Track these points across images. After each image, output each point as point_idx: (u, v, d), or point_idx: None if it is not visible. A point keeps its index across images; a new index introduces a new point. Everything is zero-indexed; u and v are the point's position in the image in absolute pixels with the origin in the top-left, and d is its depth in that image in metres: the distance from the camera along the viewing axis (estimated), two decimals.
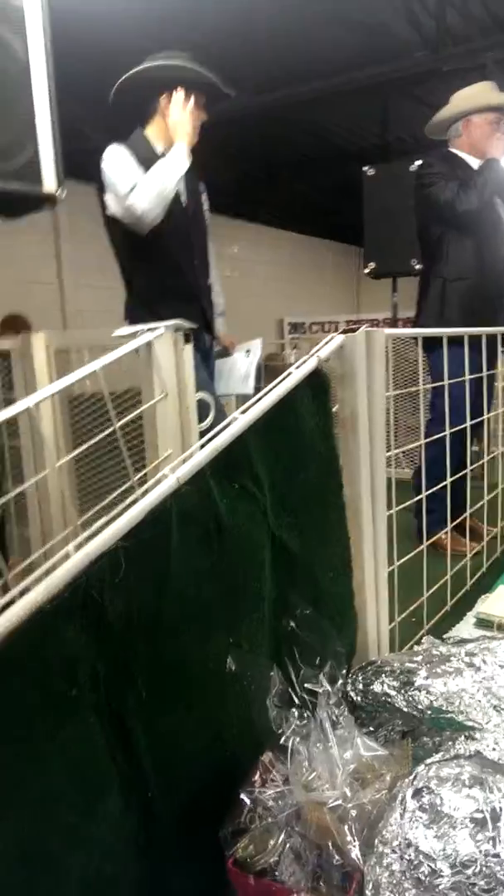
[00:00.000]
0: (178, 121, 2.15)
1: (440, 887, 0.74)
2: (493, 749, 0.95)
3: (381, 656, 1.40)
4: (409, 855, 0.78)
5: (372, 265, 3.93)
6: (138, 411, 1.67)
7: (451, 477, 2.08)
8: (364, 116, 5.16)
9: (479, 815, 0.78)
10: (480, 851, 0.74)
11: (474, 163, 2.61)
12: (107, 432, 1.60)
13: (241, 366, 2.37)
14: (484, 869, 0.73)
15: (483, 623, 1.87)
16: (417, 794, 0.84)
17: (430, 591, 1.94)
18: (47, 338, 1.90)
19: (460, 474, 2.26)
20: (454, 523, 2.16)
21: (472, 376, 2.14)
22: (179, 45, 3.36)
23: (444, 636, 1.84)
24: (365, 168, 3.74)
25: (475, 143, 2.61)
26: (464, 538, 2.53)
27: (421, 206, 2.67)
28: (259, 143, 5.46)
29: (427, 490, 2.03)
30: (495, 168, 2.53)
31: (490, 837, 0.75)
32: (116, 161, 2.13)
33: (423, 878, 0.75)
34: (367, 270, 3.87)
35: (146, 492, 0.96)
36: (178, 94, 2.16)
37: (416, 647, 1.46)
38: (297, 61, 3.96)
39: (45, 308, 4.57)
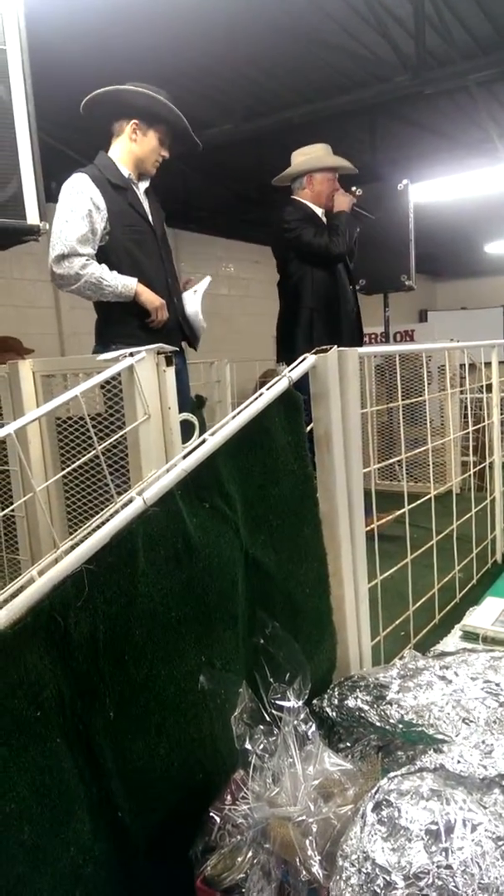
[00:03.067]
0: (147, 300, 2.23)
1: None
2: (458, 761, 0.96)
3: (359, 671, 1.41)
4: (367, 868, 0.79)
5: (363, 281, 3.99)
6: (121, 434, 1.70)
7: None
8: (353, 138, 5.25)
9: (434, 827, 0.79)
10: (433, 863, 0.75)
11: (319, 211, 3.10)
12: (89, 455, 1.64)
13: (190, 304, 2.46)
14: (436, 881, 0.74)
15: (469, 636, 1.88)
16: (377, 807, 0.85)
17: (417, 605, 1.95)
18: (33, 364, 1.94)
19: None
20: None
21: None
22: (169, 73, 3.44)
23: (431, 649, 1.85)
24: (353, 188, 3.81)
25: (317, 195, 3.10)
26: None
27: (287, 248, 3.09)
28: (253, 166, 5.55)
29: None
30: (351, 220, 3.07)
31: (443, 849, 0.76)
32: (68, 207, 2.15)
33: (379, 891, 0.76)
34: (357, 287, 3.93)
35: (113, 514, 0.99)
36: None
37: (396, 661, 1.47)
38: (284, 87, 4.04)
39: (43, 331, 4.65)
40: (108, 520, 0.97)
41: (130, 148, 2.25)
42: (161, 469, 1.10)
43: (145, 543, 1.01)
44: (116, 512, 0.98)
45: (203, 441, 1.17)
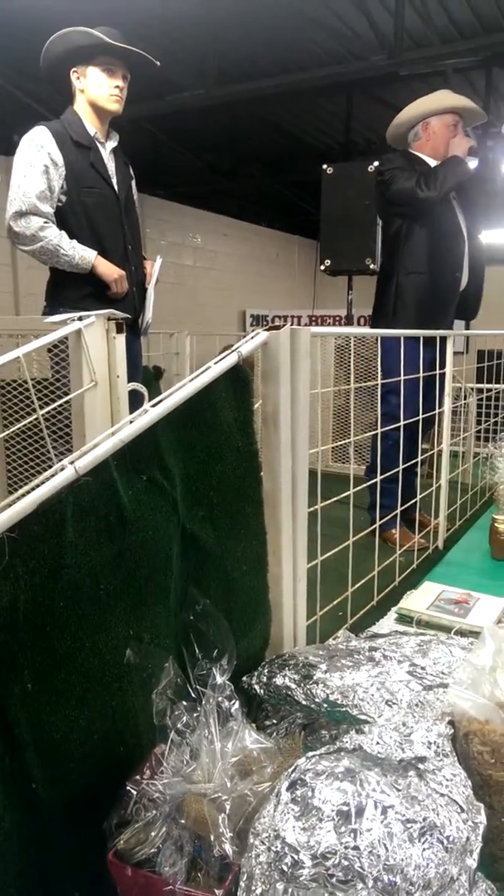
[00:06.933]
0: (105, 273, 2.14)
1: (301, 878, 0.75)
2: (378, 742, 0.97)
3: (292, 650, 1.42)
4: (276, 847, 0.79)
5: (328, 262, 3.97)
6: (64, 400, 1.65)
7: (402, 472, 2.19)
8: (327, 115, 5.17)
9: (346, 808, 0.80)
10: (341, 843, 0.76)
11: (434, 164, 2.64)
12: (27, 421, 1.58)
13: (149, 291, 2.36)
14: (343, 861, 0.75)
15: (404, 618, 1.91)
16: (292, 786, 0.85)
17: (356, 587, 1.97)
18: None
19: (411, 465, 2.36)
20: (391, 516, 2.27)
21: (420, 374, 2.20)
22: (140, 28, 3.31)
23: (366, 630, 1.88)
24: (324, 166, 3.77)
25: (435, 145, 2.66)
26: (412, 532, 2.59)
27: (381, 200, 2.73)
28: (225, 136, 5.43)
29: (380, 485, 2.17)
30: (455, 165, 2.57)
31: (352, 830, 0.77)
32: (27, 161, 2.06)
33: (286, 870, 0.76)
34: (322, 267, 3.92)
35: (42, 482, 0.95)
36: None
37: (330, 642, 1.49)
38: (259, 55, 3.95)
39: None
40: (35, 488, 0.93)
41: (84, 97, 2.15)
42: (97, 438, 1.06)
43: (75, 514, 0.97)
44: (46, 480, 0.95)
45: (144, 411, 1.13)
